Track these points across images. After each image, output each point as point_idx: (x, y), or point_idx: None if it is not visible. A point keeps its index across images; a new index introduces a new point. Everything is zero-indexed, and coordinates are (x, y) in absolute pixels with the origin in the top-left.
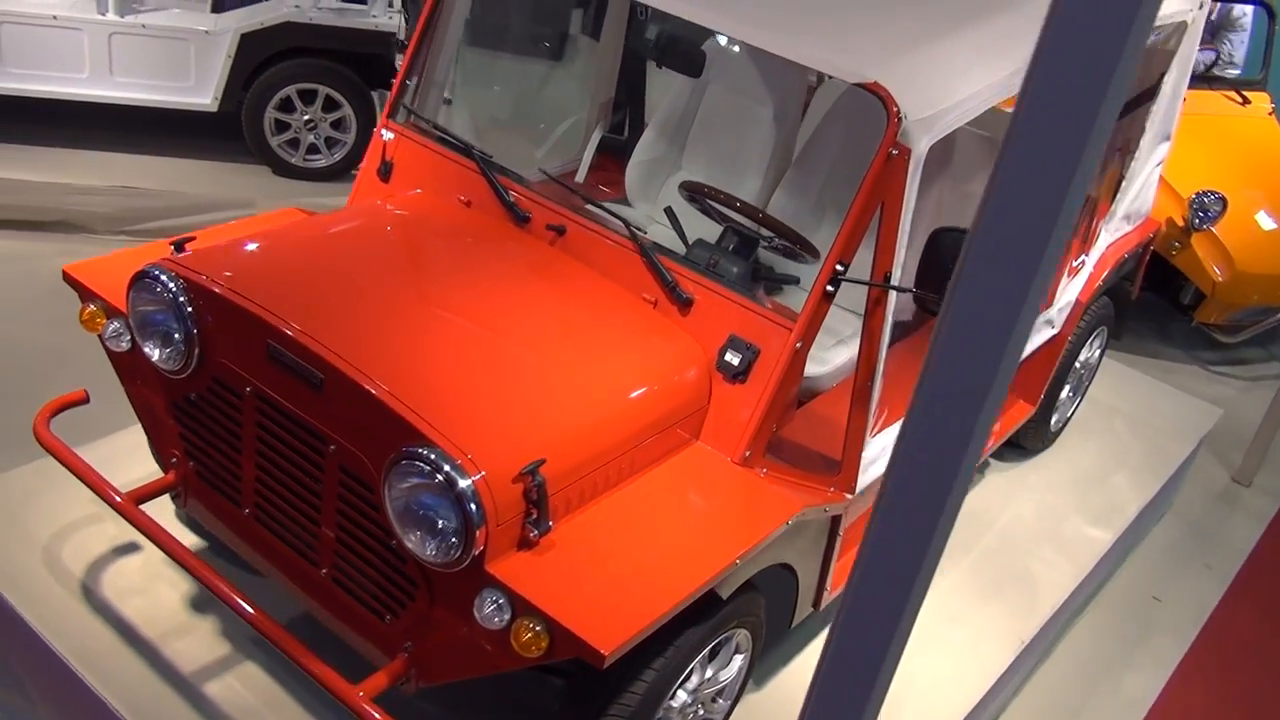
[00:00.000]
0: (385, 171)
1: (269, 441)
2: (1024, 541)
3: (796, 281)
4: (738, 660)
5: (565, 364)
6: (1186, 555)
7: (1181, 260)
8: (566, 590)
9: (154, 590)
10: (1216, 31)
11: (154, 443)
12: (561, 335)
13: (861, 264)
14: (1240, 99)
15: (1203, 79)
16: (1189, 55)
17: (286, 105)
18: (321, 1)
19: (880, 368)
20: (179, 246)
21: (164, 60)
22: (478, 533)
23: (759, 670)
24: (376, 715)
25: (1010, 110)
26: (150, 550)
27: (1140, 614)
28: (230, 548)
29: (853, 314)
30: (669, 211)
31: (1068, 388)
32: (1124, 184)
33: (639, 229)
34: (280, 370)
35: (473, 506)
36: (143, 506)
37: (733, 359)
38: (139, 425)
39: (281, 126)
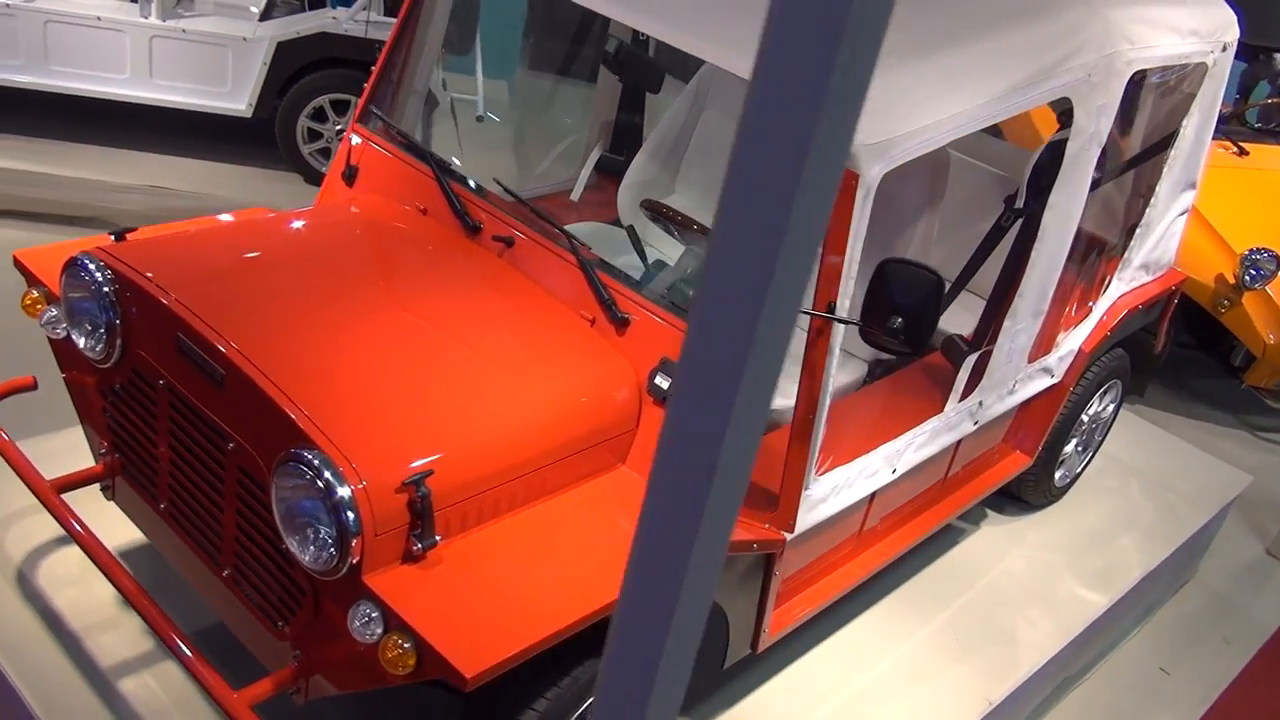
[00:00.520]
0: (350, 176)
1: (180, 436)
2: (1010, 599)
3: None
4: None
5: (480, 377)
6: (1204, 628)
7: (1230, 319)
8: (441, 609)
9: (88, 582)
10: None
11: (87, 433)
12: (485, 348)
13: None
14: None
15: (1272, 134)
16: (1213, 99)
17: (320, 114)
18: (357, 14)
19: (824, 402)
20: (119, 236)
21: (202, 65)
22: (354, 542)
23: (701, 711)
24: None
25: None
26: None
27: (1144, 686)
28: (153, 543)
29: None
30: (630, 230)
31: (1074, 442)
32: (1139, 232)
33: (582, 245)
34: (187, 364)
35: (349, 515)
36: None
37: (663, 382)
38: None
39: (314, 135)
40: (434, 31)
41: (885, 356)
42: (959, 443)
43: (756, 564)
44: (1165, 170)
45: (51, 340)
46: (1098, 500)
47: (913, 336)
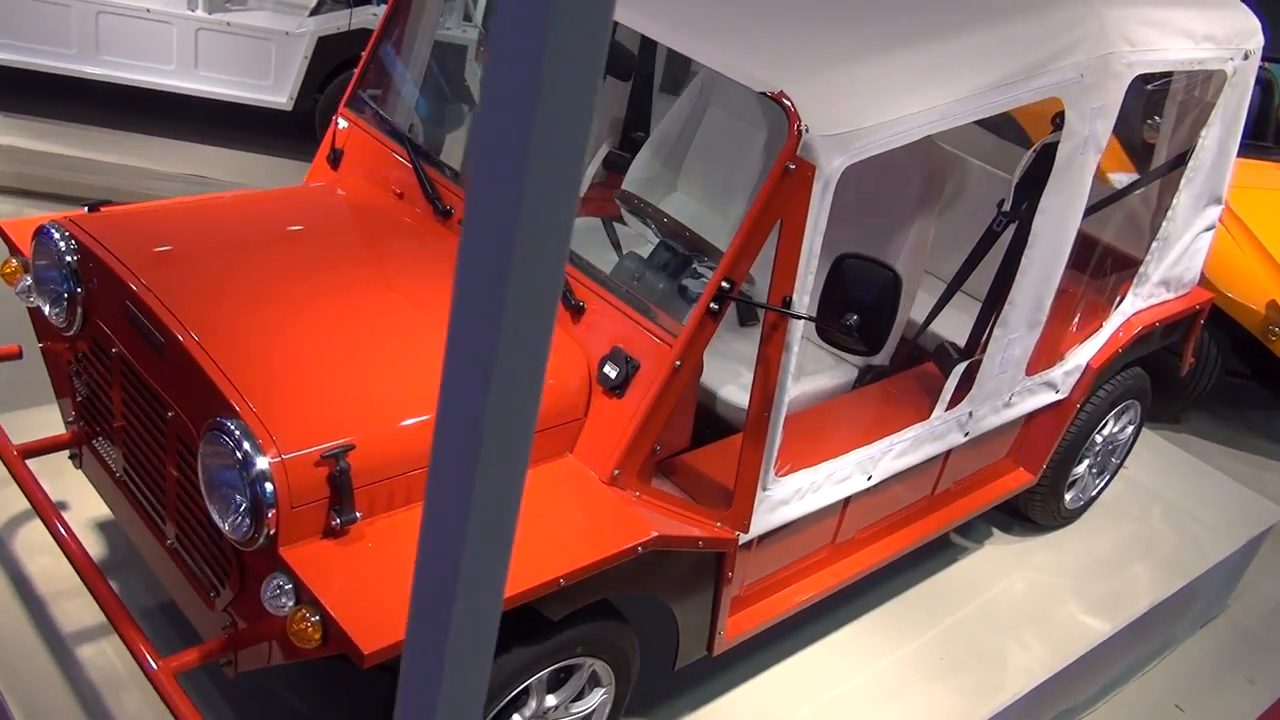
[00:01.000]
0: (335, 158)
1: (130, 405)
2: (1004, 620)
3: None
4: (598, 694)
5: (424, 358)
6: (1228, 666)
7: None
8: (351, 584)
9: (61, 551)
10: None
11: (60, 402)
12: (433, 330)
13: None
14: None
15: None
16: (1235, 109)
17: None
18: None
19: (782, 399)
20: (93, 208)
21: (246, 58)
22: (270, 514)
23: (660, 714)
24: (171, 690)
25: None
26: (76, 509)
27: None
28: (112, 512)
29: (827, 352)
30: (605, 221)
31: (1086, 463)
32: (1157, 246)
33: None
34: (134, 332)
35: (267, 486)
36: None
37: (611, 371)
38: None
39: None
40: (426, 17)
41: (877, 362)
42: (948, 454)
43: (705, 562)
44: (1184, 183)
45: (29, 309)
46: (1115, 525)
47: (868, 335)
